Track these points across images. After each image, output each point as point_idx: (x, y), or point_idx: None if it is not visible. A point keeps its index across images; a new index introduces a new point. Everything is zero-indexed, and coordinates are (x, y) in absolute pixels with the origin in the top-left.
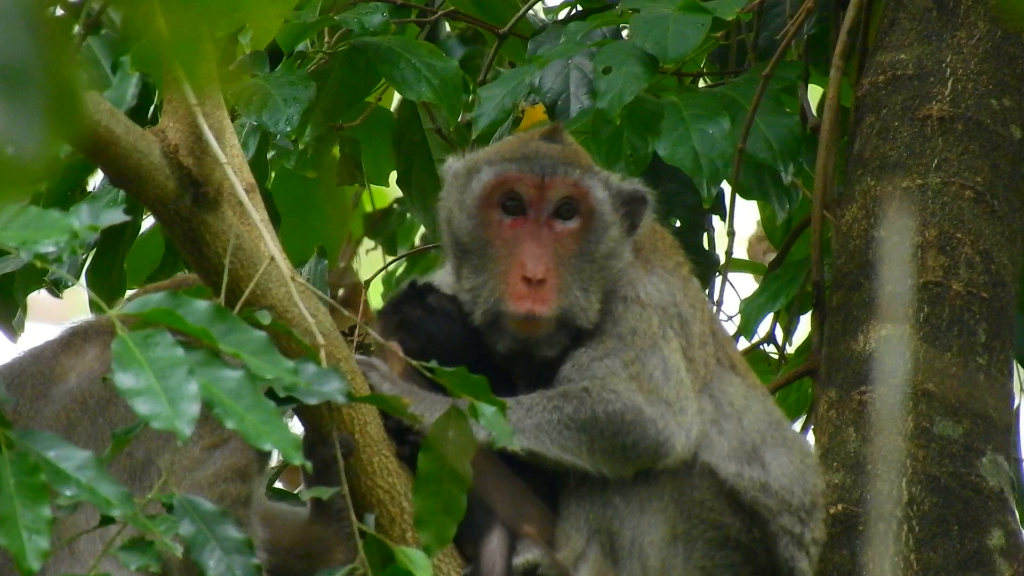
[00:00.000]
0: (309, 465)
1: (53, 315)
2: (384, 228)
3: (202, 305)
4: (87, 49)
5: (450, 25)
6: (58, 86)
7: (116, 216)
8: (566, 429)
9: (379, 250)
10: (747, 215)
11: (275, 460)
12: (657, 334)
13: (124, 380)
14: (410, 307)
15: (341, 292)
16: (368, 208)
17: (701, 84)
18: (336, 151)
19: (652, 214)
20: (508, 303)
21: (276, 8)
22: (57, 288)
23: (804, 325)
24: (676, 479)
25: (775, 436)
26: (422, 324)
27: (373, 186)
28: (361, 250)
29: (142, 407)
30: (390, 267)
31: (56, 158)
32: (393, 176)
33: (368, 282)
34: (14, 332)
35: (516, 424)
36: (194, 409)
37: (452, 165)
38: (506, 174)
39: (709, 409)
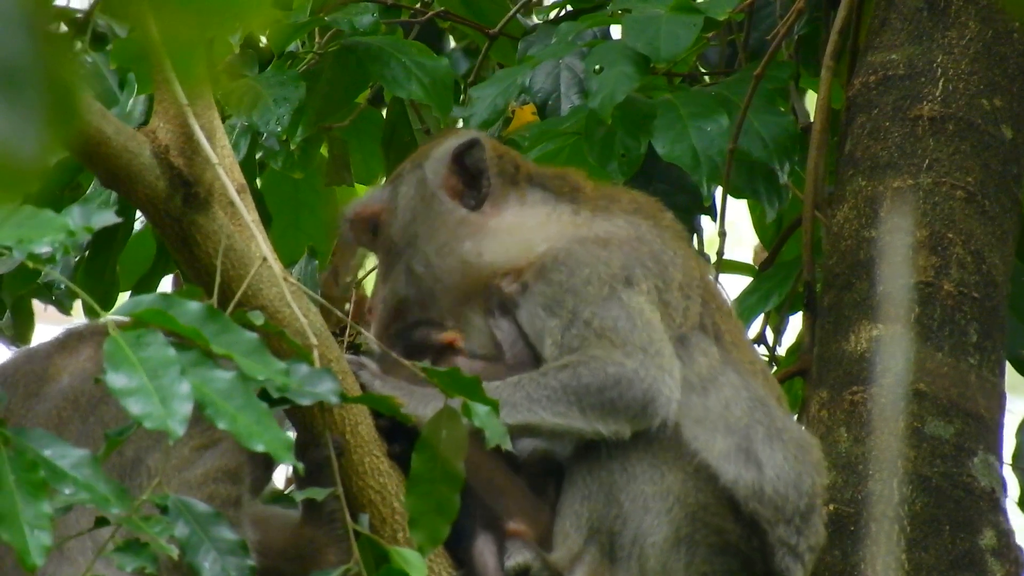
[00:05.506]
0: (301, 466)
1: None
2: None
3: (194, 306)
4: (93, 65)
5: (440, 24)
6: (56, 88)
7: (109, 218)
8: (555, 394)
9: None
10: (737, 216)
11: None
12: (617, 276)
13: (116, 380)
14: None
15: (348, 307)
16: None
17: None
18: (324, 151)
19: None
20: None
21: (269, 10)
22: (49, 291)
23: (794, 326)
24: (680, 473)
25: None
26: None
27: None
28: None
29: (134, 407)
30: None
31: (47, 159)
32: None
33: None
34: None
35: (508, 400)
36: (186, 408)
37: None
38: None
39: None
